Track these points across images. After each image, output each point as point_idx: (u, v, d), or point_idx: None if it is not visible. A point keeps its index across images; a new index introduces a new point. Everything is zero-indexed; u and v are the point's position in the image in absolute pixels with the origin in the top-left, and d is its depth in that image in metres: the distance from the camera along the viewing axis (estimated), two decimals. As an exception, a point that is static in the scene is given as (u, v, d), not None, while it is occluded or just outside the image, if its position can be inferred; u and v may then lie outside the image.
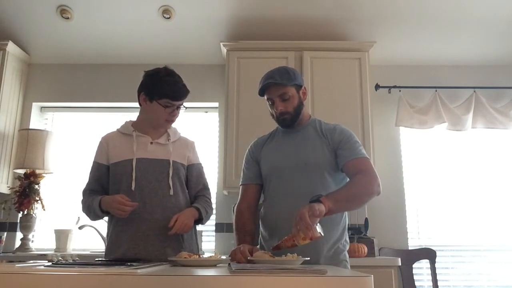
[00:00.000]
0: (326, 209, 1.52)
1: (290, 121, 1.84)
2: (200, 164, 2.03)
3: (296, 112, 1.83)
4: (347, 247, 1.84)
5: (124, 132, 1.95)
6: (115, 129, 2.00)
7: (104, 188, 1.92)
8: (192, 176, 1.97)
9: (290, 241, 1.48)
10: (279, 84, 1.78)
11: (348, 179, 1.79)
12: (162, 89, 1.84)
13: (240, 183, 1.95)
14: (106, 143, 1.94)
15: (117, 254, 1.81)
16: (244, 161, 1.97)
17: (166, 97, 1.84)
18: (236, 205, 1.92)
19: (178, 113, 1.91)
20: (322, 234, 1.47)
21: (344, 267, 1.76)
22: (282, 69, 1.83)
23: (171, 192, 1.86)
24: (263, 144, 1.94)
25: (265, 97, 1.85)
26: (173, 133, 1.98)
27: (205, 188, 2.00)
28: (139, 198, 1.81)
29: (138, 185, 1.83)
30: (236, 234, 1.83)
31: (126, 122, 2.00)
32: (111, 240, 1.88)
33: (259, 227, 1.91)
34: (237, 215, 1.88)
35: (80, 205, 1.93)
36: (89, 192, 1.92)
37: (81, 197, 1.94)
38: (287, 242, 1.49)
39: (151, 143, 1.90)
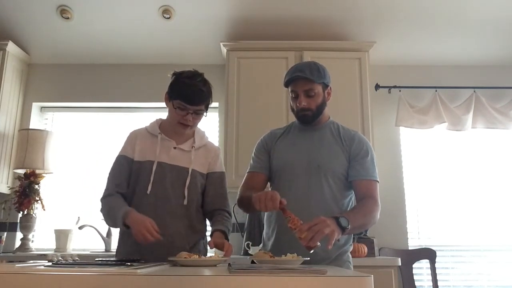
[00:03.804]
0: (342, 235, 1.52)
1: (310, 118, 1.79)
2: (223, 172, 1.94)
3: (318, 110, 1.79)
4: (351, 249, 1.83)
5: (151, 132, 1.89)
6: (143, 126, 1.94)
7: (128, 185, 1.84)
8: (210, 185, 1.89)
9: (294, 226, 1.46)
10: (307, 79, 1.74)
11: (352, 190, 1.79)
12: (177, 90, 1.79)
13: (247, 171, 1.91)
14: (135, 137, 1.88)
15: (124, 254, 1.79)
16: (254, 150, 1.93)
17: (179, 98, 1.78)
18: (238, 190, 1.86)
19: (196, 118, 1.82)
20: (319, 245, 1.44)
21: (347, 267, 1.74)
22: (313, 65, 1.79)
23: (185, 202, 1.81)
24: (278, 137, 1.89)
25: (289, 89, 1.80)
26: (199, 138, 1.92)
27: (225, 199, 1.92)
28: (152, 202, 1.78)
29: (153, 190, 1.79)
30: (244, 198, 1.77)
31: (156, 121, 1.94)
32: (121, 238, 1.86)
33: (263, 226, 1.90)
34: (239, 194, 1.83)
35: (100, 204, 1.82)
36: (114, 193, 1.80)
37: (102, 194, 1.83)
38: (293, 223, 1.46)
39: (175, 148, 1.85)
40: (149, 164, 1.81)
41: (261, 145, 1.91)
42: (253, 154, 1.93)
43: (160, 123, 1.92)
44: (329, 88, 1.82)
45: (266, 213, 1.88)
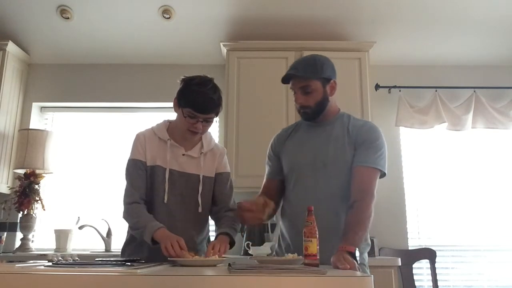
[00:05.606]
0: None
1: (311, 115, 1.74)
2: (228, 173, 1.94)
3: (318, 107, 1.71)
4: (367, 249, 1.75)
5: (159, 136, 1.85)
6: (149, 127, 1.89)
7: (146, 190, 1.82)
8: (217, 186, 1.90)
9: (308, 234, 1.42)
10: (301, 77, 1.68)
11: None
12: (188, 98, 1.74)
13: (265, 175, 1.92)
14: (144, 140, 1.83)
15: (136, 255, 1.77)
16: (267, 155, 1.92)
17: (189, 106, 1.72)
18: None
19: (206, 126, 1.79)
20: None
21: (361, 270, 1.65)
22: (310, 60, 1.71)
23: (200, 209, 1.82)
24: (286, 137, 1.86)
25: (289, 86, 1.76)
26: (207, 143, 1.90)
27: (230, 199, 1.92)
28: (166, 210, 1.78)
29: (168, 198, 1.79)
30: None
31: (163, 124, 1.90)
32: (134, 241, 1.83)
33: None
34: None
35: (124, 209, 1.78)
36: (139, 201, 1.78)
37: (125, 198, 1.78)
38: (310, 231, 1.42)
39: (183, 154, 1.83)
40: (159, 171, 1.80)
41: (270, 151, 1.91)
42: (266, 159, 1.93)
43: (168, 127, 1.89)
44: (331, 82, 1.73)
45: (282, 209, 1.88)
